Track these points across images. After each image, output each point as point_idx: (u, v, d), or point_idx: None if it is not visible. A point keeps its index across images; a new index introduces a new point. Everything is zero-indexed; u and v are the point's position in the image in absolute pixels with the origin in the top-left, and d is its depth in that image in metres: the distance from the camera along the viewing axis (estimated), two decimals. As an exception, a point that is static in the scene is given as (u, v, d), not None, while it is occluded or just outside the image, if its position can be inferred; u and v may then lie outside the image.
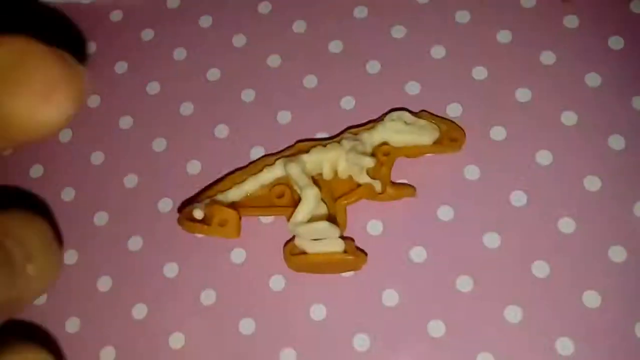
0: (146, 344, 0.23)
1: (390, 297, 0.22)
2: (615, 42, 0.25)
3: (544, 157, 0.23)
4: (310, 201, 0.21)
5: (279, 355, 0.22)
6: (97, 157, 0.26)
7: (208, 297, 0.23)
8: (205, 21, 0.28)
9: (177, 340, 0.23)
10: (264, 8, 0.28)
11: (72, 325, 0.24)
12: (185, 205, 0.24)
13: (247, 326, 0.23)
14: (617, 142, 0.23)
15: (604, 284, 0.21)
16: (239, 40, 0.28)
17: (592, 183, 0.23)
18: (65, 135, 0.27)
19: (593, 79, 0.24)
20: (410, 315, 0.22)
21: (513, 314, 0.21)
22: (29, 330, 0.24)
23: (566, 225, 0.22)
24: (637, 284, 0.21)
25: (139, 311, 0.24)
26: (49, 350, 0.15)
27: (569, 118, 0.24)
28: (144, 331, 0.23)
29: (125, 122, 0.27)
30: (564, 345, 0.21)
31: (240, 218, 0.23)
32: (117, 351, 0.23)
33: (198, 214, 0.22)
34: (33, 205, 0.26)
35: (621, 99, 0.24)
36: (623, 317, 0.21)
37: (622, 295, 0.21)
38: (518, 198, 0.23)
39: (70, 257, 0.25)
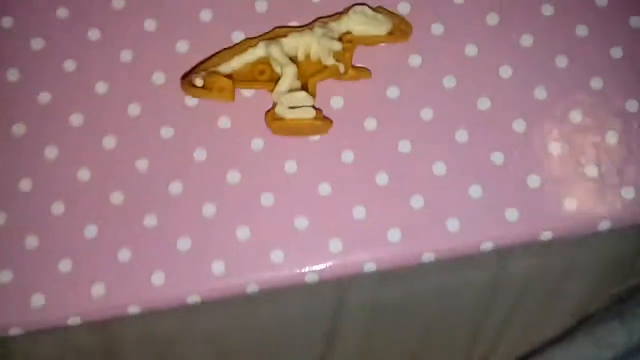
0: (149, 191, 0.28)
1: (348, 156, 0.29)
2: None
3: (471, 49, 0.30)
4: (290, 76, 0.27)
5: (259, 198, 0.28)
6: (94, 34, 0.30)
7: (200, 154, 0.29)
8: None
9: (175, 188, 0.28)
10: None
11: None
12: (184, 77, 0.28)
13: (233, 177, 0.29)
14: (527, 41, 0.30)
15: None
16: None
17: (505, 71, 0.29)
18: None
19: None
20: (363, 171, 0.29)
21: (439, 167, 0.28)
22: None
23: (483, 102, 0.29)
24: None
25: (142, 164, 0.29)
26: None
27: (492, 18, 0.30)
28: (147, 181, 0.28)
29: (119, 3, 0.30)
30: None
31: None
32: (124, 197, 0.28)
33: (198, 81, 0.27)
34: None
35: None
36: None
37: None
38: (449, 80, 0.29)
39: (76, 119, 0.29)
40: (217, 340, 0.29)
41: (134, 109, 0.29)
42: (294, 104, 0.27)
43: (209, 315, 0.29)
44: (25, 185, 0.28)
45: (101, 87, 0.29)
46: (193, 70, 0.28)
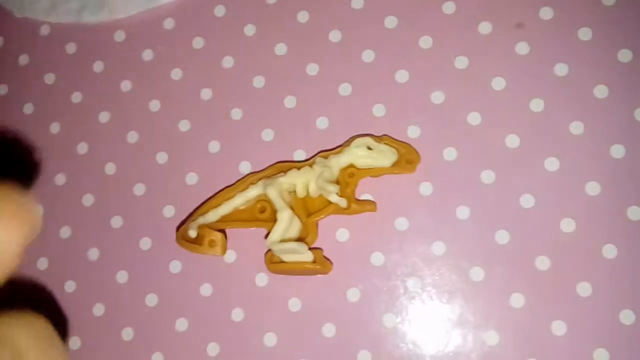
0: (156, 328, 0.29)
1: (354, 294, 0.27)
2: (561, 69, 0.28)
3: (488, 177, 0.27)
4: (284, 222, 0.26)
5: (263, 339, 0.28)
6: (110, 168, 0.31)
7: (205, 290, 0.29)
8: (198, 43, 0.32)
9: (181, 324, 0.28)
10: (249, 30, 0.31)
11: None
12: (182, 224, 0.29)
13: (237, 315, 0.28)
14: (552, 164, 0.27)
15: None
16: (227, 62, 0.31)
17: (527, 201, 0.27)
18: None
19: (537, 104, 0.27)
20: (369, 310, 0.27)
21: (451, 310, 0.26)
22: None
23: (501, 236, 0.26)
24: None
25: (151, 300, 0.29)
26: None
27: (512, 140, 0.27)
28: (155, 317, 0.29)
29: (133, 137, 0.31)
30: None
31: (226, 237, 0.28)
32: (134, 332, 0.29)
33: (192, 233, 0.27)
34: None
35: (561, 123, 0.27)
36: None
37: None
38: (463, 211, 0.27)
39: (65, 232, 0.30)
40: None
41: (144, 244, 0.30)
42: (287, 253, 0.26)
43: None
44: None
45: (116, 221, 0.30)
46: (191, 217, 0.28)
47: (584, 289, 0.25)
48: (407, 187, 0.28)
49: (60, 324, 0.30)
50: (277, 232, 0.26)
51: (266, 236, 0.26)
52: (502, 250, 0.26)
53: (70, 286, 0.30)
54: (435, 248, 0.27)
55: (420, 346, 0.26)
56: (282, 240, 0.26)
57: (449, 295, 0.26)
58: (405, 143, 0.28)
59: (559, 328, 0.25)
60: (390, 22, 0.30)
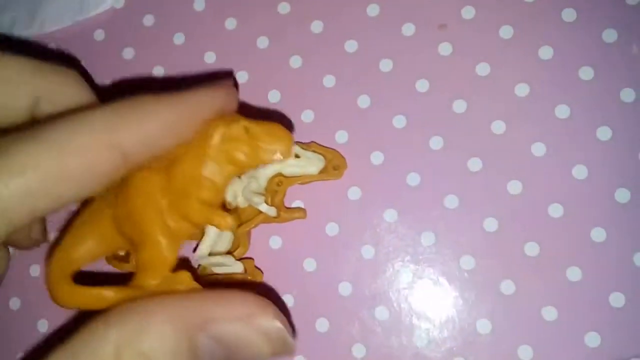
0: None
1: (288, 301, 0.28)
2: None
3: (413, 179, 0.28)
4: (211, 235, 0.26)
5: (202, 347, 0.28)
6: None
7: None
8: (128, 53, 0.31)
9: None
10: (178, 39, 0.31)
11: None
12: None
13: (177, 325, 0.29)
14: (475, 164, 0.27)
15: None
16: (158, 71, 0.31)
17: (451, 201, 0.27)
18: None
19: (459, 105, 0.28)
20: (302, 316, 0.28)
21: (380, 312, 0.27)
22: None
23: (427, 238, 0.27)
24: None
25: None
26: None
27: (436, 142, 0.28)
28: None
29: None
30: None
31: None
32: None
33: (121, 251, 0.27)
34: None
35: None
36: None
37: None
38: (390, 214, 0.28)
39: (35, 271, 0.30)
40: None
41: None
42: (214, 266, 0.26)
43: None
44: None
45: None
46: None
47: (507, 286, 0.26)
48: (336, 193, 0.28)
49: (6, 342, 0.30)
50: (204, 246, 0.26)
51: (194, 250, 0.27)
52: (428, 252, 0.27)
53: (15, 303, 0.31)
54: (365, 252, 0.28)
55: (352, 350, 0.27)
56: (212, 254, 0.26)
57: (379, 298, 0.27)
58: (332, 149, 0.28)
59: (484, 326, 0.26)
60: (316, 26, 0.30)
